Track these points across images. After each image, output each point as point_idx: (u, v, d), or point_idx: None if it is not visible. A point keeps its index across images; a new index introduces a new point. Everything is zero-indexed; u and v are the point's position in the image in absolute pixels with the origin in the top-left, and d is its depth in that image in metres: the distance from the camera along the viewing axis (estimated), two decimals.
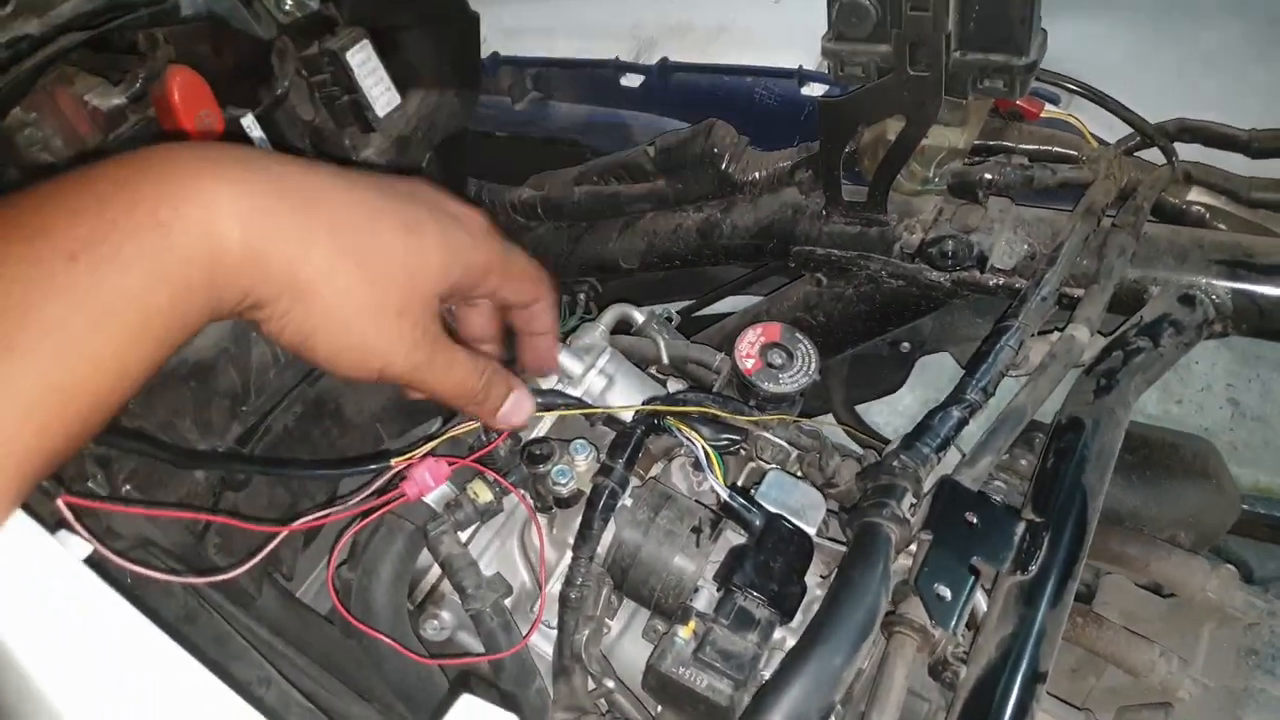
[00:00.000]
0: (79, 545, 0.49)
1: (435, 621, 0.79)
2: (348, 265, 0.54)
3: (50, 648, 0.42)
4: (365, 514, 0.72)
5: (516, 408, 0.71)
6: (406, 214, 0.58)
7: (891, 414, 1.17)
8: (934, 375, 1.12)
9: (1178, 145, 0.82)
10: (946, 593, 0.61)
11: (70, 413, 0.46)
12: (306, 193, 0.53)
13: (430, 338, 0.61)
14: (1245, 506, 0.99)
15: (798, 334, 0.84)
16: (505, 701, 0.73)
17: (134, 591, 0.47)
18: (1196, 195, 0.81)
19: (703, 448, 0.75)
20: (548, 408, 0.79)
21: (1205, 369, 1.14)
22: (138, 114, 0.89)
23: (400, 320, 0.57)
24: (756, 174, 0.88)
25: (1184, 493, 0.85)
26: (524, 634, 0.74)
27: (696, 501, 0.79)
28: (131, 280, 0.47)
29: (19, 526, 0.47)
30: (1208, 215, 0.80)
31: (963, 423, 0.70)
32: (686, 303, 1.11)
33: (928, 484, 0.68)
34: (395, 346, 0.58)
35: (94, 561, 0.48)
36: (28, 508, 0.48)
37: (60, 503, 0.52)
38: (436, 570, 0.81)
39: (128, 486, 0.82)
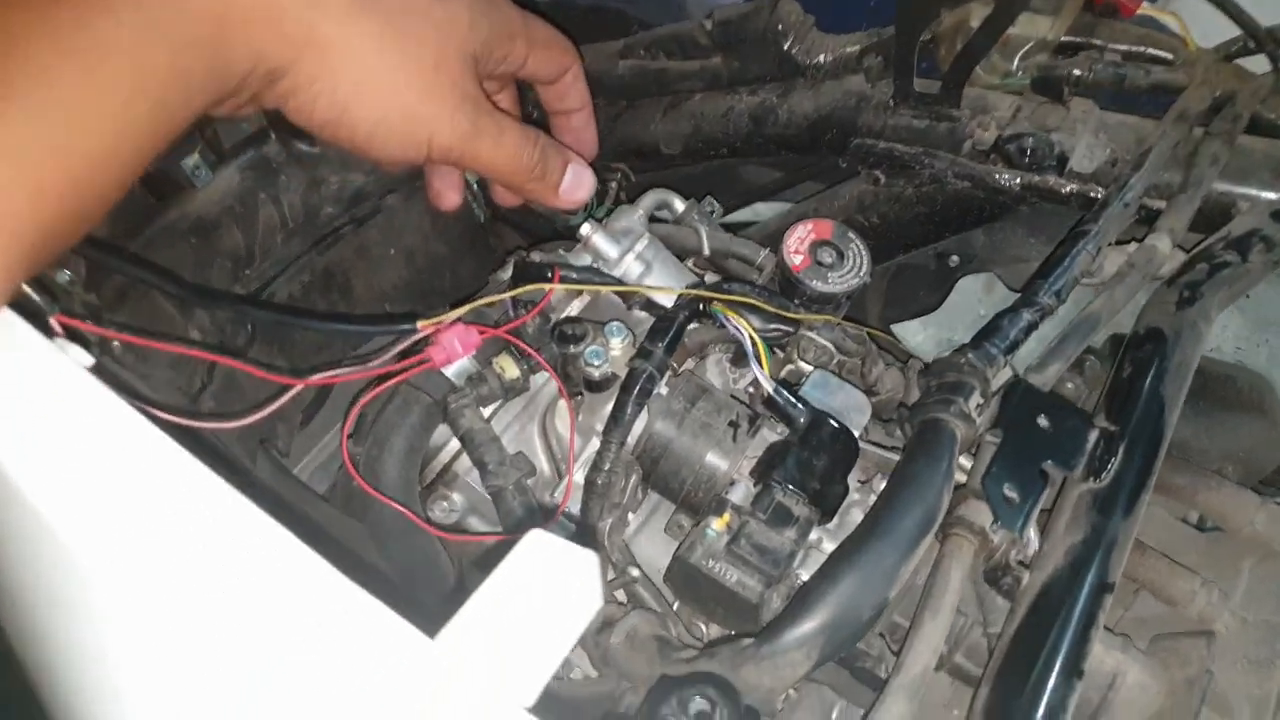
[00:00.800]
0: (81, 354, 0.43)
1: (445, 503, 0.75)
2: (373, 22, 0.49)
3: (55, 460, 0.36)
4: (386, 377, 0.67)
5: (578, 181, 0.67)
6: None
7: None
8: (949, 316, 1.08)
9: None
10: (1015, 495, 0.57)
11: (66, 175, 0.41)
12: None
13: (474, 100, 0.56)
14: None
15: (850, 233, 0.80)
16: None
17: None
18: None
19: (750, 335, 0.71)
20: (584, 283, 0.74)
21: (1215, 331, 1.12)
22: None
23: (439, 76, 0.53)
24: (821, 57, 0.82)
25: (1237, 426, 0.82)
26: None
27: (733, 398, 0.75)
28: (125, 31, 0.42)
29: (12, 329, 0.41)
30: None
31: (1032, 326, 0.66)
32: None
33: (994, 386, 0.63)
34: (440, 110, 0.54)
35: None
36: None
37: (54, 321, 0.47)
38: (449, 449, 0.77)
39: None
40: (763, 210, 1.06)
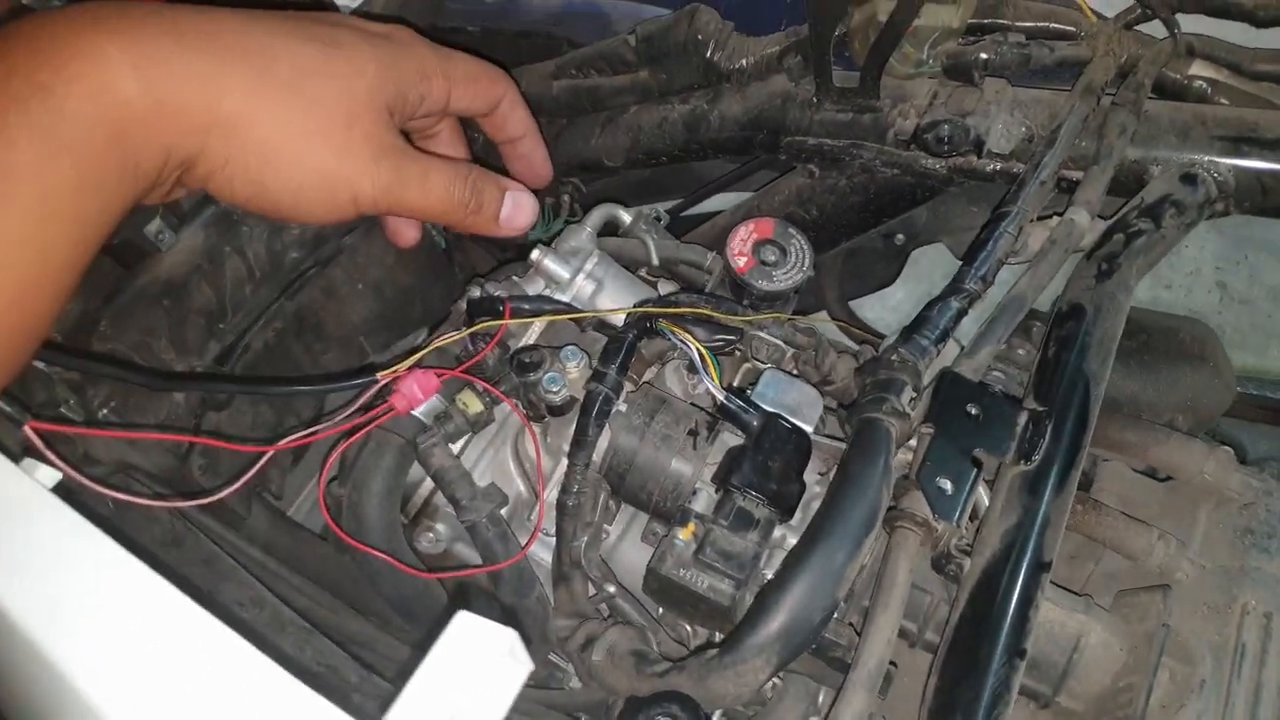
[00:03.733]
0: (46, 473, 0.46)
1: (430, 534, 0.78)
2: (275, 91, 0.50)
3: (12, 579, 0.40)
4: (353, 430, 0.70)
5: (517, 208, 0.67)
6: (325, 33, 0.54)
7: (883, 310, 1.16)
8: (925, 270, 1.11)
9: (1180, 17, 0.78)
10: (948, 485, 0.61)
11: None
12: (208, 32, 0.49)
13: (392, 149, 0.56)
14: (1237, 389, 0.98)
15: (791, 229, 0.82)
16: (505, 614, 0.72)
17: (112, 520, 0.45)
18: (1199, 69, 0.78)
19: (697, 349, 0.73)
20: (535, 314, 0.77)
21: (1194, 253, 1.13)
22: None
23: (350, 134, 0.53)
24: (743, 61, 0.84)
25: (1182, 377, 0.85)
26: (522, 544, 0.74)
27: (692, 404, 0.78)
28: (22, 154, 0.42)
29: None
30: (1210, 90, 0.77)
31: (961, 313, 0.68)
32: (674, 202, 1.08)
33: (927, 377, 0.66)
34: (357, 166, 0.54)
35: (66, 489, 0.45)
36: None
37: (27, 429, 0.49)
38: (429, 483, 0.80)
39: (104, 411, 0.79)
40: (724, 200, 1.08)
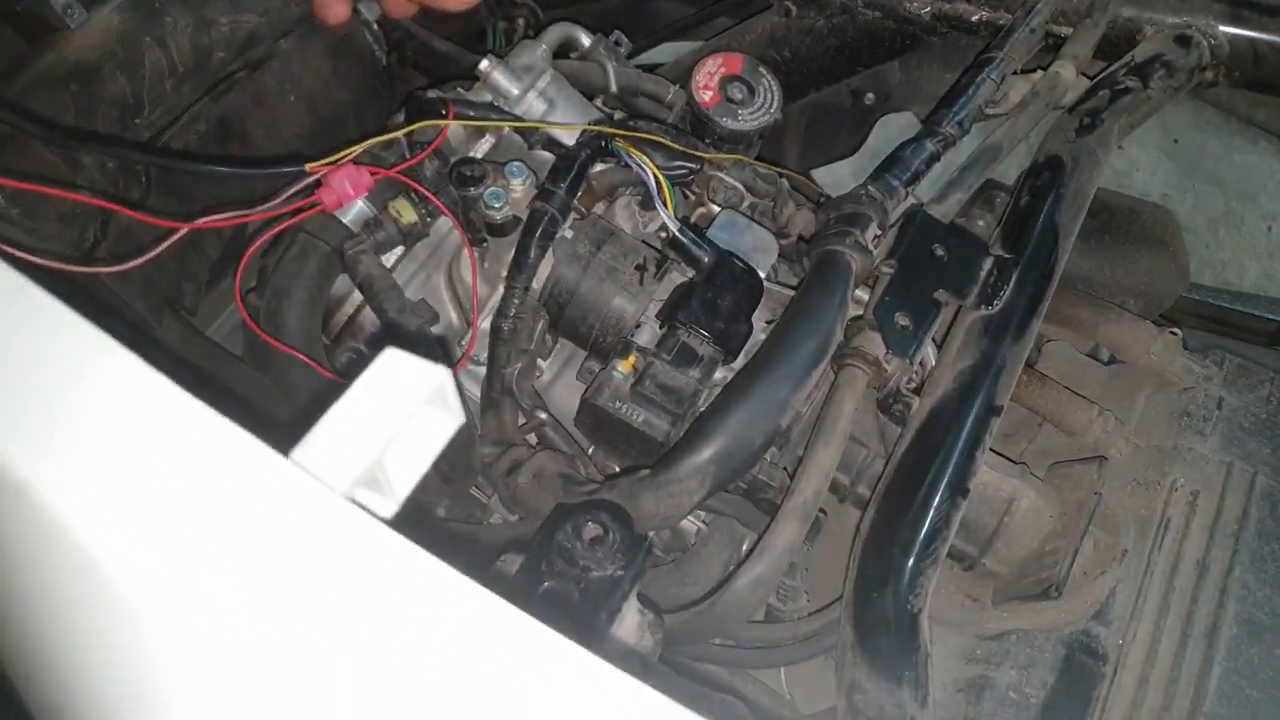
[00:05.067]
0: None
1: (352, 355, 0.74)
2: None
3: None
4: (275, 221, 0.65)
5: None
6: None
7: (832, 190, 1.13)
8: (870, 158, 1.08)
9: None
10: (907, 323, 0.58)
11: None
12: None
13: None
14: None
15: (761, 68, 0.77)
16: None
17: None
18: None
19: (653, 174, 0.69)
20: (481, 121, 0.71)
21: (1145, 177, 1.13)
22: None
23: None
24: None
25: (1139, 259, 0.84)
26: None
27: (642, 242, 0.74)
28: None
29: None
30: None
31: (935, 157, 0.65)
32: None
33: (894, 217, 0.63)
34: None
35: None
36: None
37: None
38: (354, 300, 0.75)
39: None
40: (674, 50, 1.02)
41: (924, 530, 0.52)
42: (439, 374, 0.31)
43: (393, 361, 0.32)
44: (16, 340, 0.32)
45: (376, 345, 0.33)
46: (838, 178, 1.11)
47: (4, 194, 0.73)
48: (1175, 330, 0.76)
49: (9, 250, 0.46)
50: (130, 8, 0.84)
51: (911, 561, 0.51)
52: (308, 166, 0.63)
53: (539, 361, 0.74)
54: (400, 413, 0.31)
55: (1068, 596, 0.62)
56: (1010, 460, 0.73)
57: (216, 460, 0.29)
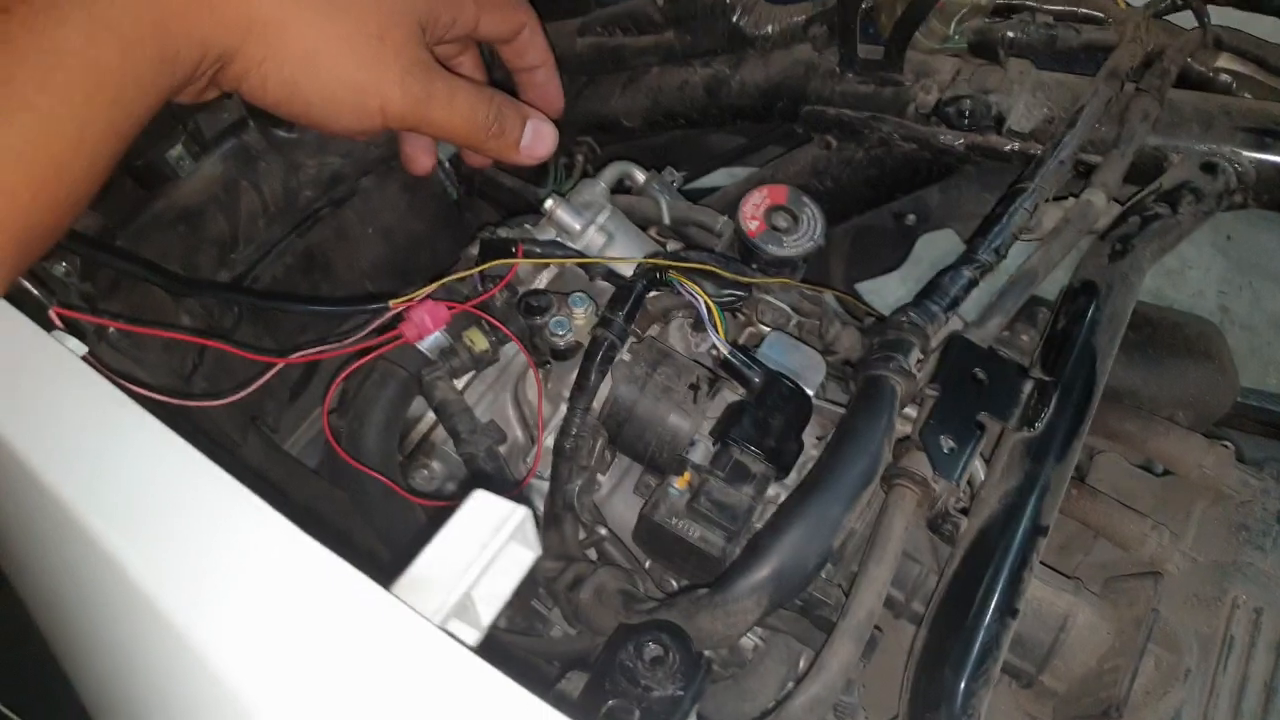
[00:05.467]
0: (76, 344, 0.47)
1: (425, 471, 0.78)
2: None
3: (54, 443, 0.40)
4: (361, 354, 0.70)
5: (538, 137, 0.68)
6: None
7: (881, 305, 1.16)
8: (927, 270, 1.11)
9: (1210, 8, 0.79)
10: (951, 444, 0.61)
11: (34, 178, 0.43)
12: None
13: (423, 65, 0.58)
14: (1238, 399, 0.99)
15: (804, 197, 0.82)
16: None
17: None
18: (1225, 62, 0.78)
19: (705, 302, 0.74)
20: (547, 257, 0.77)
21: (1199, 275, 1.14)
22: None
23: (383, 45, 0.54)
24: (769, 27, 0.85)
25: (1186, 372, 0.85)
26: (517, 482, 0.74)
27: (694, 361, 0.78)
28: (72, 33, 0.44)
29: (11, 322, 0.45)
30: (1235, 84, 0.78)
31: (973, 283, 0.69)
32: (683, 174, 1.08)
33: (935, 342, 0.67)
34: (387, 78, 0.55)
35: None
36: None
37: (52, 313, 0.50)
38: (428, 420, 0.80)
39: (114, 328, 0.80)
40: (729, 175, 1.08)
41: (975, 652, 0.54)
42: (520, 514, 0.35)
43: (481, 503, 0.36)
44: (155, 483, 0.37)
45: (463, 486, 0.37)
46: (884, 290, 1.15)
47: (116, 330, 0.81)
48: (1227, 443, 0.77)
49: (122, 382, 0.52)
50: (231, 155, 0.93)
51: (964, 683, 0.53)
52: (391, 304, 0.69)
53: (598, 476, 0.78)
54: (488, 551, 0.35)
55: (1130, 717, 0.62)
56: (1064, 575, 0.74)
57: (329, 595, 0.33)
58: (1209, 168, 0.71)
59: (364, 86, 0.55)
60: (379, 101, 0.56)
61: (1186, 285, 1.17)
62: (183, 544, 0.35)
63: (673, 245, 0.87)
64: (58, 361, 0.42)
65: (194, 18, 0.48)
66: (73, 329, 0.51)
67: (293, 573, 0.34)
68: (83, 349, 0.45)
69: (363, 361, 0.70)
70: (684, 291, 0.74)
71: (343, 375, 0.69)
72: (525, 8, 0.70)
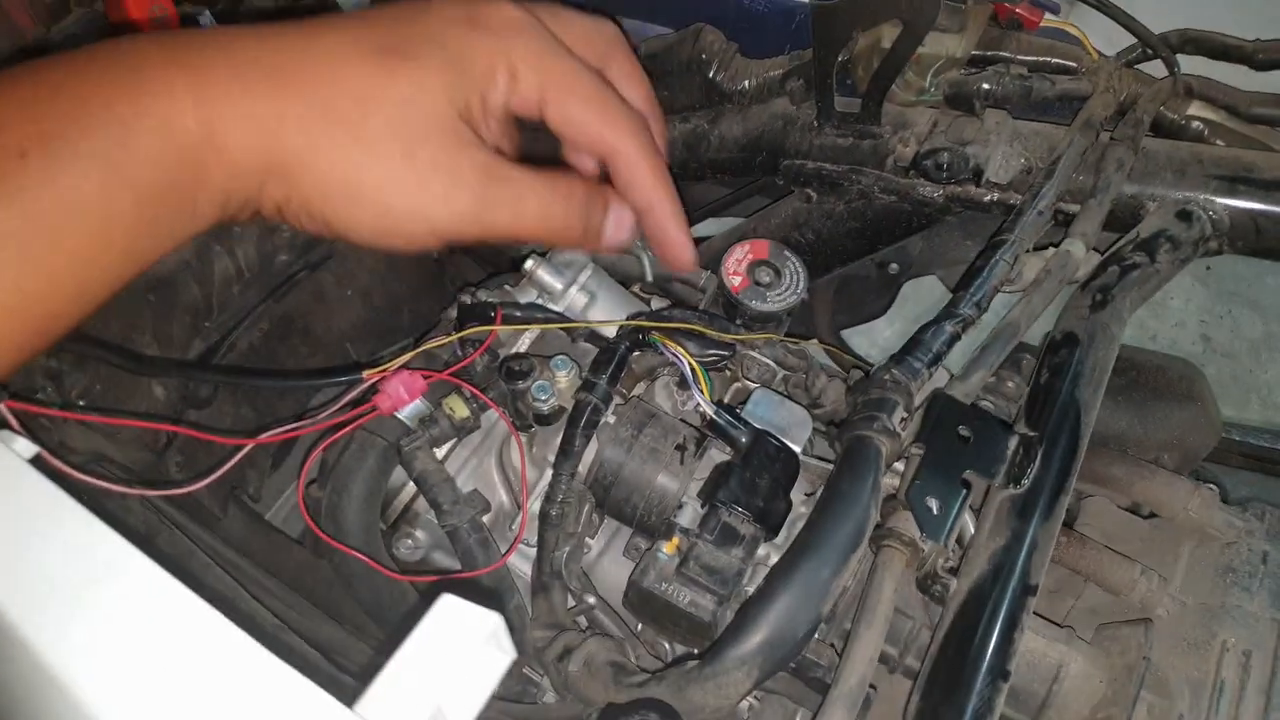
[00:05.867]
0: (24, 446, 0.45)
1: (409, 541, 0.77)
2: (332, 130, 0.47)
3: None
4: (336, 428, 0.69)
5: (619, 226, 0.59)
6: (392, 40, 0.50)
7: (871, 347, 1.16)
8: (915, 306, 1.11)
9: (1180, 57, 0.80)
10: (937, 505, 0.60)
11: (18, 332, 0.42)
12: (272, 64, 0.48)
13: (475, 170, 0.50)
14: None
15: (786, 251, 0.82)
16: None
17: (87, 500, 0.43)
18: (1197, 110, 0.79)
19: (689, 363, 0.73)
20: (527, 321, 0.76)
21: (1180, 305, 1.15)
22: (84, 4, 0.83)
23: (413, 164, 0.48)
24: (746, 83, 0.85)
25: (1169, 415, 0.85)
26: (502, 552, 0.73)
27: (681, 421, 0.77)
28: (90, 184, 0.42)
29: None
30: (1206, 131, 0.78)
31: (955, 337, 0.68)
32: None
33: (919, 399, 0.66)
34: (426, 198, 0.49)
35: (40, 465, 0.44)
36: None
37: (2, 407, 0.48)
38: (410, 489, 0.79)
39: (81, 402, 0.78)
40: (717, 225, 1.08)
41: (968, 716, 0.53)
42: (491, 621, 0.34)
43: (448, 609, 0.35)
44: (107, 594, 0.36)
45: (431, 590, 0.35)
46: (871, 332, 1.15)
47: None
48: (1212, 485, 0.76)
49: (85, 478, 0.51)
50: None
51: None
52: (365, 374, 0.68)
53: (586, 539, 0.77)
54: (457, 659, 0.34)
55: None
56: (1056, 624, 0.73)
57: (286, 713, 0.32)
58: (1184, 215, 0.72)
59: (402, 213, 0.49)
60: (425, 225, 0.50)
61: (1169, 315, 1.17)
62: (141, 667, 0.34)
63: (657, 302, 0.86)
64: (3, 466, 0.41)
65: (211, 168, 0.45)
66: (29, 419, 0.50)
67: (251, 695, 0.33)
68: (32, 450, 0.43)
69: (339, 435, 0.69)
70: (668, 354, 0.73)
71: (318, 450, 0.68)
72: (625, 119, 0.56)
